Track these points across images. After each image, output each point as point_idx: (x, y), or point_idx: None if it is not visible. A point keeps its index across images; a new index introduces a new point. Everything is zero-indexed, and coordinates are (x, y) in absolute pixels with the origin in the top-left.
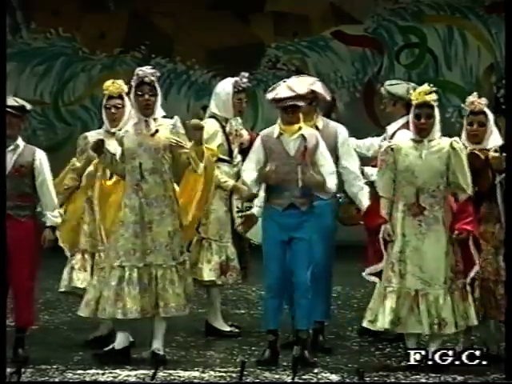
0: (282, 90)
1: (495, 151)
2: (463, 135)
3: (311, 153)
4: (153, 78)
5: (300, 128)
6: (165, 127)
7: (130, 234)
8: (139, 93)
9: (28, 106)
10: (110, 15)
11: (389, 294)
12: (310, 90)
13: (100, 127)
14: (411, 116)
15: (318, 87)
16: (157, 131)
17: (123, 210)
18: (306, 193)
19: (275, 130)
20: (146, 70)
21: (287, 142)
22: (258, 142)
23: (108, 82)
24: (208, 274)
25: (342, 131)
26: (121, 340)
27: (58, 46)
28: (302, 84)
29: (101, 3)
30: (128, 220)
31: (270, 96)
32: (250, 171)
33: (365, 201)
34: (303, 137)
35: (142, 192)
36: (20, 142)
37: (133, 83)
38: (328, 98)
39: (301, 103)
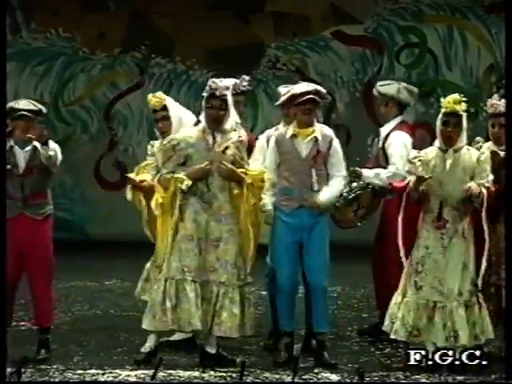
0: (299, 86)
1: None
2: (490, 136)
3: (324, 155)
4: (225, 92)
5: (314, 131)
6: (233, 143)
7: (197, 250)
8: (209, 105)
9: (44, 109)
10: (110, 15)
11: (404, 304)
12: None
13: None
14: (439, 123)
15: None
16: (227, 147)
17: (191, 224)
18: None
19: (288, 131)
20: (218, 84)
21: (300, 145)
22: (271, 143)
23: (149, 96)
24: None
25: None
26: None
27: (58, 46)
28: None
29: (101, 3)
30: (196, 236)
31: (285, 96)
32: (269, 175)
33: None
34: (316, 139)
35: (211, 209)
36: (37, 143)
37: (205, 93)
38: None
39: (318, 99)
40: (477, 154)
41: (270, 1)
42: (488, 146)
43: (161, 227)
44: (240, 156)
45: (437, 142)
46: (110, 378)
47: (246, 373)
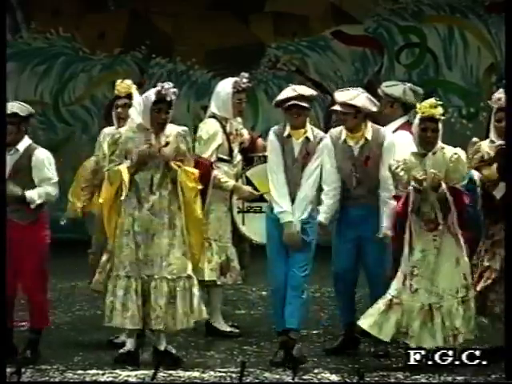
0: (285, 91)
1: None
2: (492, 131)
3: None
4: (173, 98)
5: (306, 132)
6: (174, 138)
7: (135, 244)
8: (156, 109)
9: (22, 113)
10: (110, 15)
11: (395, 306)
12: (350, 104)
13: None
14: (417, 129)
15: (361, 101)
16: (167, 144)
17: (127, 219)
18: None
19: (286, 129)
20: (169, 90)
21: (294, 145)
22: (275, 143)
23: (118, 82)
24: (208, 274)
25: (388, 136)
26: (133, 342)
27: (58, 46)
28: (307, 88)
29: (101, 3)
30: (134, 230)
31: (274, 101)
32: (280, 177)
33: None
34: (307, 140)
35: (148, 204)
36: (21, 146)
37: (152, 95)
38: (374, 109)
39: (304, 103)
40: (450, 154)
41: (269, 1)
42: (487, 145)
43: (107, 223)
44: (186, 147)
45: (413, 148)
46: (110, 378)
47: (245, 373)
